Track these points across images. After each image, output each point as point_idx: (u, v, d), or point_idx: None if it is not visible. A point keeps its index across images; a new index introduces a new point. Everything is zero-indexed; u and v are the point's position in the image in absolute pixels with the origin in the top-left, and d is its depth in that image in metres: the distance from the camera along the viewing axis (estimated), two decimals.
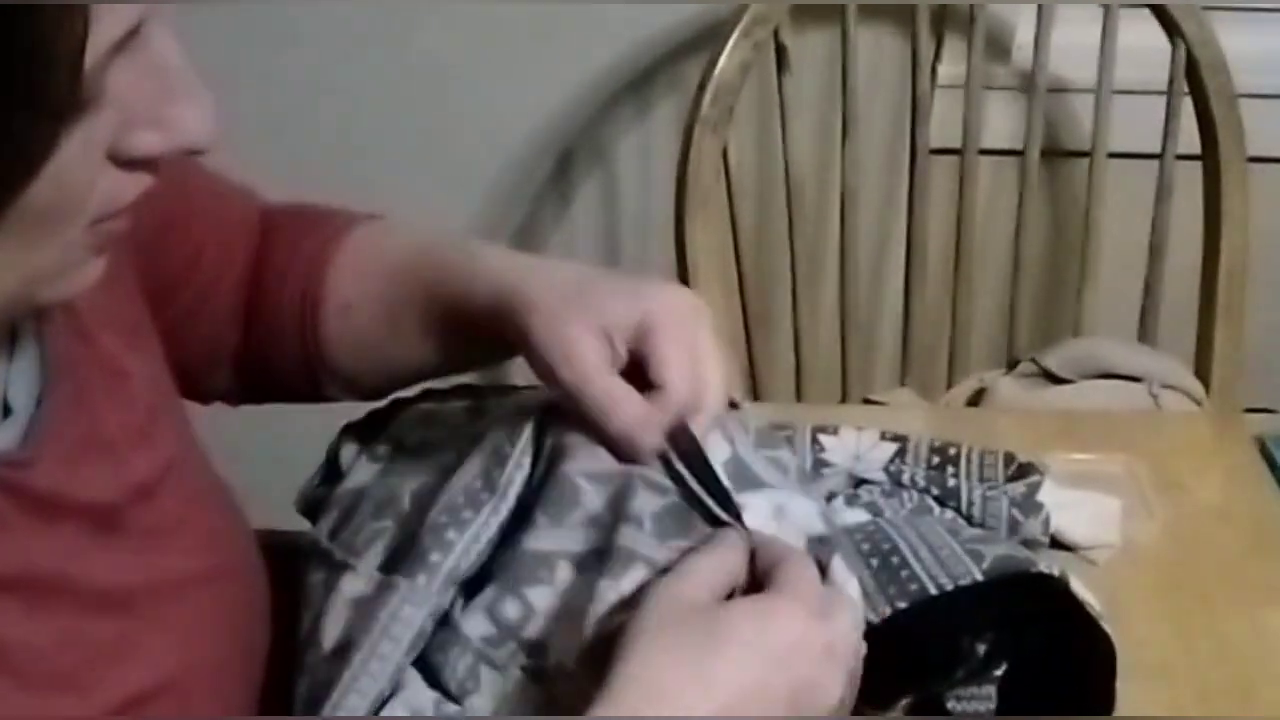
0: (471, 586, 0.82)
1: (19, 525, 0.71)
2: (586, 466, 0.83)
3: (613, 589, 0.77)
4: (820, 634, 0.74)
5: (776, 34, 1.56)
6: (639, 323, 0.82)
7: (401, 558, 0.83)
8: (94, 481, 0.76)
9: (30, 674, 0.70)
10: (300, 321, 0.96)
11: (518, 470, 0.84)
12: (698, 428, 0.83)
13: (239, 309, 0.98)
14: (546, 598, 0.80)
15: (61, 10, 0.59)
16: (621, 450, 0.82)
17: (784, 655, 0.72)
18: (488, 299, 0.87)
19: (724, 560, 0.77)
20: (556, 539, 0.81)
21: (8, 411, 0.73)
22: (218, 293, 0.96)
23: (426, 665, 0.81)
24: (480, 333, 0.88)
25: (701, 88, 1.54)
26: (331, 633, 0.83)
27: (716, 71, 1.53)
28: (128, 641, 0.75)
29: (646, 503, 0.80)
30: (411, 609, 0.80)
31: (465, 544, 0.82)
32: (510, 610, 0.80)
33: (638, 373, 0.83)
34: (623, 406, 0.81)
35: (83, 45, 0.60)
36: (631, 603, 0.76)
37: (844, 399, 1.69)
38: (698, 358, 0.83)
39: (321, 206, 1.01)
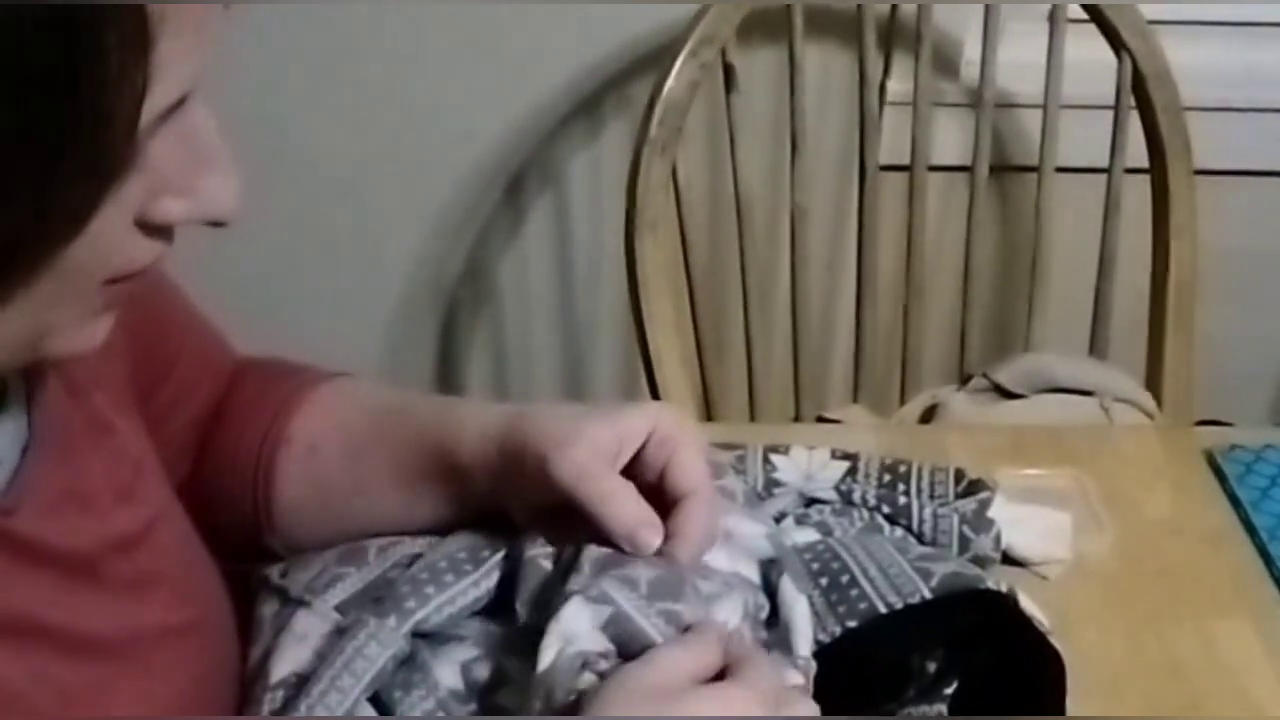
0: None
1: None
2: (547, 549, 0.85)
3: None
4: None
5: (724, 54, 1.56)
6: (652, 432, 0.85)
7: (363, 602, 0.86)
8: (74, 532, 0.77)
9: (4, 710, 0.70)
10: (256, 460, 0.95)
11: (497, 566, 0.86)
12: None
13: (190, 445, 0.98)
14: (521, 670, 0.81)
15: (125, 73, 0.60)
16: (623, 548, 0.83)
17: None
18: (489, 432, 0.88)
19: (698, 653, 0.77)
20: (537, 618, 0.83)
21: None
22: (174, 417, 0.96)
23: (378, 701, 0.82)
24: (454, 477, 0.89)
25: (650, 108, 1.53)
26: (281, 667, 0.84)
27: (665, 92, 1.53)
28: (101, 687, 0.76)
29: (641, 570, 0.81)
30: (378, 647, 0.82)
31: (439, 602, 0.84)
32: (480, 672, 0.82)
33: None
34: (627, 506, 0.83)
35: (139, 109, 0.61)
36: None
37: (797, 417, 1.69)
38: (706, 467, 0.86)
39: (293, 361, 1.02)
